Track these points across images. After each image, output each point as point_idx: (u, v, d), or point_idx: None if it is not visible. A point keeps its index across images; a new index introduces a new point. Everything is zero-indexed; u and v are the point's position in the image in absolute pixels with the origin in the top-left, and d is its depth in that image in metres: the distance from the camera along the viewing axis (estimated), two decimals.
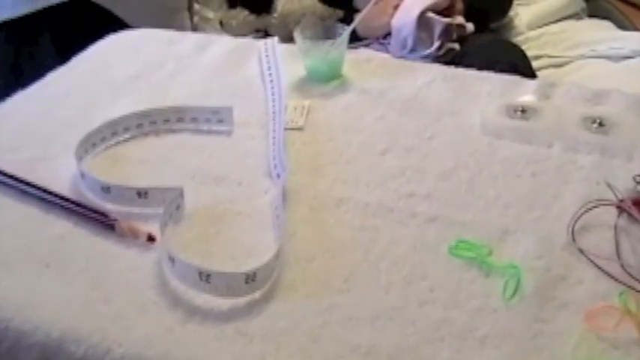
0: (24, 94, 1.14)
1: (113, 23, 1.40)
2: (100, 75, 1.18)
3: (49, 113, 1.08)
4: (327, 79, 1.12)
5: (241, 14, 1.93)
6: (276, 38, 1.21)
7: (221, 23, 1.99)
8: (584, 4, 2.32)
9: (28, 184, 0.92)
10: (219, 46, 1.23)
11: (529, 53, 2.02)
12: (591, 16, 2.33)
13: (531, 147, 0.97)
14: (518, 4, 2.19)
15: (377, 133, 1.00)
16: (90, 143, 0.99)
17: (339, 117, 1.04)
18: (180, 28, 1.75)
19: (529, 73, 1.71)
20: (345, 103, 1.08)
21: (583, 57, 2.01)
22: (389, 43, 1.82)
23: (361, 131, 1.01)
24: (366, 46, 1.86)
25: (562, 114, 1.01)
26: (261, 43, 1.21)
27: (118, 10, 1.57)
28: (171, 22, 1.68)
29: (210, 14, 2.14)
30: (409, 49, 1.78)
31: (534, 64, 1.94)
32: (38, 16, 1.51)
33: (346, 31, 1.11)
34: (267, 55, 1.16)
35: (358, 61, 1.17)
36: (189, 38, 1.28)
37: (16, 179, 0.93)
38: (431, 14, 1.76)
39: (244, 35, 2.04)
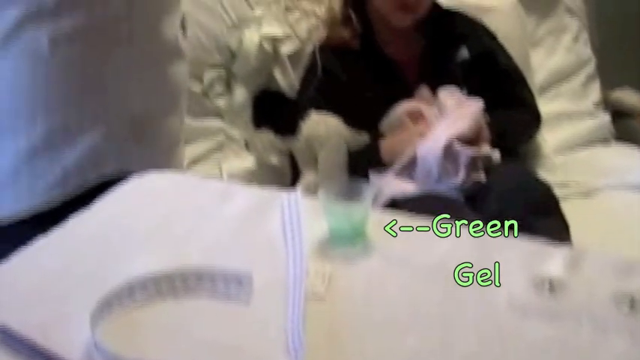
0: (44, 242, 1.13)
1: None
2: (121, 224, 1.17)
3: (67, 267, 1.07)
4: (350, 240, 1.10)
5: (266, 136, 1.94)
6: (299, 193, 1.19)
7: (246, 144, 2.00)
8: (612, 128, 2.31)
9: (38, 351, 0.90)
10: (241, 198, 1.21)
11: (555, 179, 2.01)
12: (619, 138, 2.32)
13: (559, 327, 0.93)
14: (545, 128, 2.18)
15: (399, 307, 0.97)
16: (106, 305, 0.97)
17: (361, 286, 1.02)
18: (179, 164, 1.74)
19: (555, 212, 1.70)
20: (368, 270, 1.05)
21: (611, 186, 1.99)
22: (415, 172, 1.82)
23: (383, 304, 0.98)
24: (391, 173, 1.86)
25: (592, 291, 0.98)
26: (284, 197, 1.19)
27: None
28: (170, 161, 1.67)
29: (236, 133, 2.15)
30: (434, 178, 1.77)
31: (560, 192, 1.93)
32: None
33: (371, 191, 1.10)
34: (289, 212, 1.14)
35: (382, 221, 1.15)
36: (212, 187, 1.27)
37: (26, 344, 0.91)
38: (457, 145, 1.76)
39: (268, 156, 2.05)
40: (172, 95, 1.62)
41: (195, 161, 2.18)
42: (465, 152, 1.75)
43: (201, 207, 1.20)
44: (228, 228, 1.15)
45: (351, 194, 1.11)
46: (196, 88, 2.20)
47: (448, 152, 1.75)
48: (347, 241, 1.10)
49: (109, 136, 1.48)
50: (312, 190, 1.86)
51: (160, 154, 1.59)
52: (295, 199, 1.18)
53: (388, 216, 1.18)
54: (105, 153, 1.48)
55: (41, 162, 1.44)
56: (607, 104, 2.42)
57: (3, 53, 1.36)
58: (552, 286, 0.99)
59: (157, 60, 1.55)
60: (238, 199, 1.22)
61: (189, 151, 2.19)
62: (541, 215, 1.67)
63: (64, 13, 1.36)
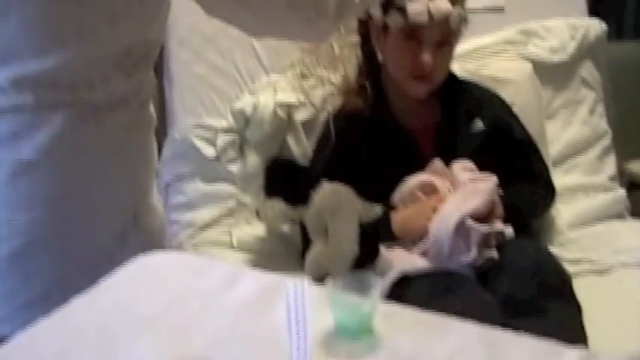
0: (44, 326, 1.11)
1: None
2: (122, 309, 1.15)
3: (65, 355, 1.05)
4: (357, 335, 1.07)
5: (277, 205, 1.92)
6: (306, 282, 1.17)
7: (257, 212, 1.98)
8: (627, 203, 2.28)
9: None
10: (247, 284, 1.19)
11: (569, 256, 1.98)
12: (635, 212, 2.29)
13: None
14: (560, 202, 2.15)
15: None
16: None
17: None
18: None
19: (568, 294, 1.67)
20: None
21: (625, 264, 1.96)
22: (427, 247, 1.79)
23: None
24: (403, 246, 1.83)
25: None
26: (290, 286, 1.17)
27: None
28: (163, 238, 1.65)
29: (248, 200, 2.13)
30: (446, 255, 1.75)
31: (573, 268, 1.90)
32: None
33: (379, 285, 1.08)
34: (295, 303, 1.12)
35: (390, 314, 1.12)
36: (217, 270, 1.25)
37: None
38: (469, 222, 1.73)
39: (279, 224, 2.03)
40: (153, 166, 1.60)
41: (205, 226, 2.16)
42: (478, 230, 1.72)
43: (205, 294, 1.18)
44: (231, 318, 1.13)
45: (359, 287, 1.08)
46: (209, 152, 2.19)
47: (460, 229, 1.73)
48: (353, 335, 1.08)
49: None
50: (321, 261, 1.84)
51: (153, 231, 1.57)
52: (301, 288, 1.16)
53: (396, 309, 1.15)
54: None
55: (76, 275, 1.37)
56: (622, 176, 2.39)
57: (48, 162, 1.31)
58: None
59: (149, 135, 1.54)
60: (243, 285, 1.19)
61: (200, 215, 2.17)
62: (553, 297, 1.65)
63: (106, 111, 1.33)
